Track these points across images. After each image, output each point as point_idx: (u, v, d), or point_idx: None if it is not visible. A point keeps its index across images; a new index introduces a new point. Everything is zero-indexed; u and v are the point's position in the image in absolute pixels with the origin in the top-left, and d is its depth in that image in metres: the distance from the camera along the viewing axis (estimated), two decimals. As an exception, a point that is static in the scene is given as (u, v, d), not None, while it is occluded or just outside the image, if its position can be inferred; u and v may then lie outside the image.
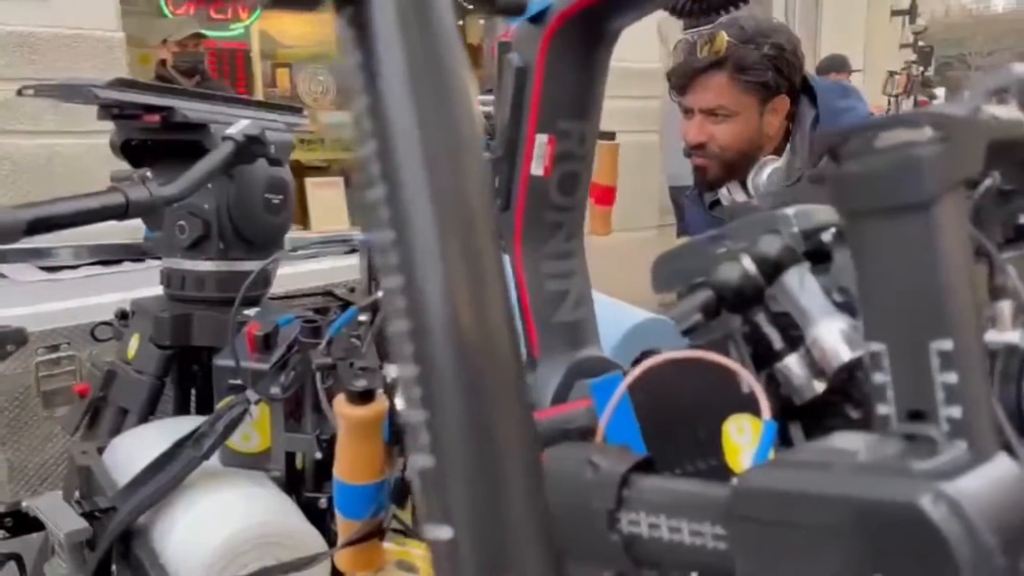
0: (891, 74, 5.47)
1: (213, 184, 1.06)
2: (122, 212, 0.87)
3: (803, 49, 1.44)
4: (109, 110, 1.04)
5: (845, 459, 0.32)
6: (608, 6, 0.65)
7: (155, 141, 1.09)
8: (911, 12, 7.56)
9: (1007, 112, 0.37)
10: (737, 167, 1.41)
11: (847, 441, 0.34)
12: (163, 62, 3.98)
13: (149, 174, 0.91)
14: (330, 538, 0.80)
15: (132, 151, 1.10)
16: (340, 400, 0.70)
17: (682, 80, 1.41)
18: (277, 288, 1.25)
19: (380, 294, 0.83)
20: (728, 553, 0.36)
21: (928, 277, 0.34)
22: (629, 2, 0.65)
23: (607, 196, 1.50)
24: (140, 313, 1.15)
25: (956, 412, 0.33)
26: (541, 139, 0.70)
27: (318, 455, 0.82)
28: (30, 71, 3.74)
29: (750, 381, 0.45)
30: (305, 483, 0.85)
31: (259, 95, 5.31)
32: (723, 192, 1.48)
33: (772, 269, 0.46)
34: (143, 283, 1.47)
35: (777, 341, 0.46)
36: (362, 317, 0.84)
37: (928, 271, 0.33)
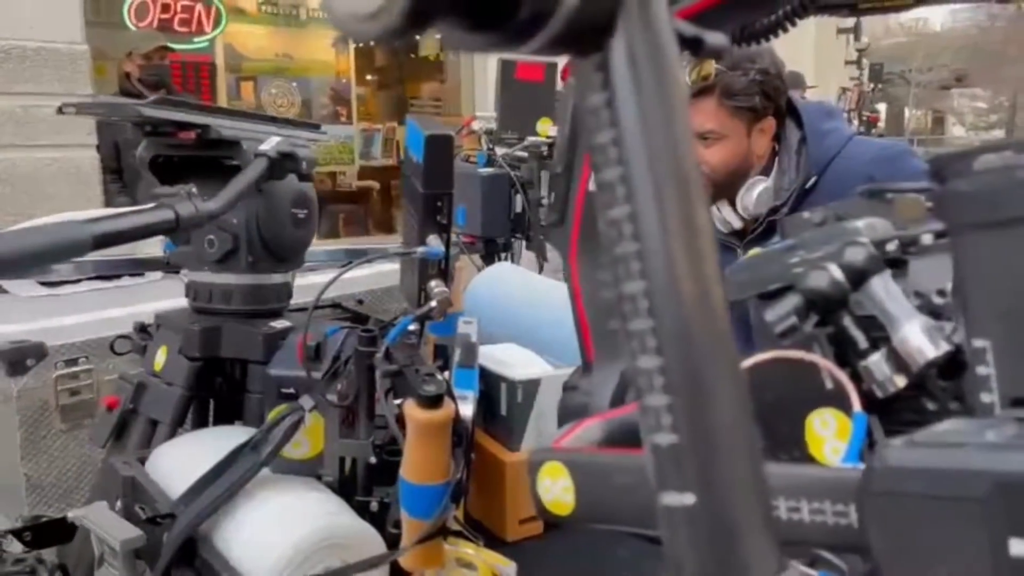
0: (843, 90, 5.65)
1: (243, 200, 1.09)
2: (173, 227, 0.89)
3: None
4: (143, 127, 1.06)
5: (975, 439, 0.37)
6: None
7: (184, 157, 1.11)
8: (855, 30, 7.84)
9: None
10: (727, 187, 1.47)
11: (964, 425, 0.39)
12: (127, 75, 3.95)
13: (194, 189, 0.94)
14: (385, 539, 0.83)
15: (160, 167, 1.12)
16: (411, 404, 0.73)
17: None
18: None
19: (433, 304, 0.87)
20: (851, 528, 0.41)
21: (1031, 281, 0.39)
22: (702, 19, 0.70)
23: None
24: (166, 326, 1.16)
25: (1057, 398, 0.38)
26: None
27: (372, 460, 0.85)
28: (-9, 83, 3.68)
29: (840, 376, 0.50)
30: (356, 488, 0.88)
31: (224, 104, 5.29)
32: (713, 211, 1.54)
33: (858, 277, 0.51)
34: (147, 297, 1.49)
35: (862, 341, 0.51)
36: (412, 327, 0.88)
37: (1031, 276, 0.39)
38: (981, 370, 0.41)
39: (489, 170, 1.51)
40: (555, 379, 1.00)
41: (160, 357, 1.14)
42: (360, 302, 1.50)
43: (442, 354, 1.04)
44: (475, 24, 0.29)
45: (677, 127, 0.30)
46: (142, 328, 1.23)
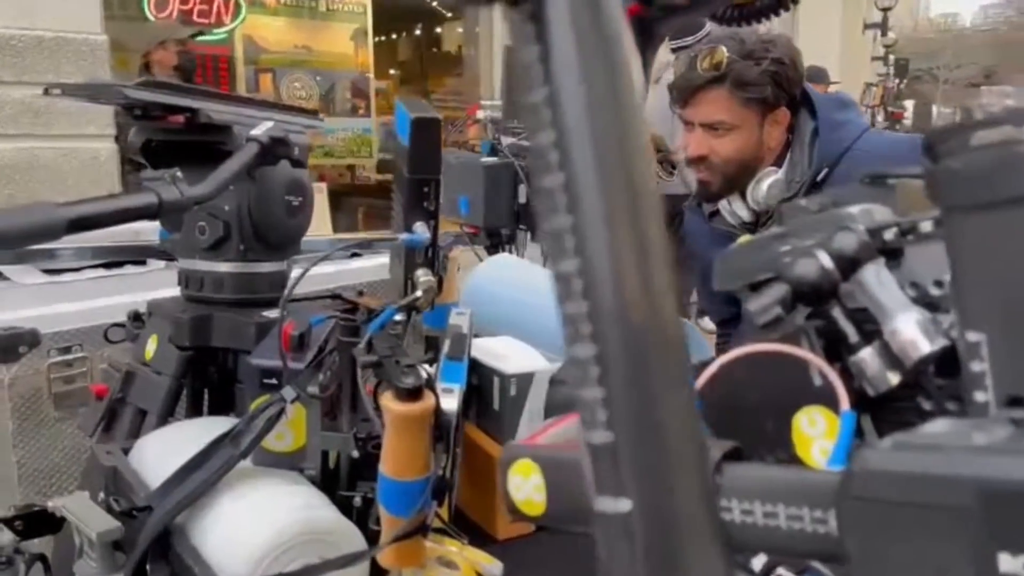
0: (868, 86, 5.56)
1: (234, 186, 1.07)
2: (155, 212, 0.87)
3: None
4: (132, 111, 1.04)
5: (962, 441, 0.33)
6: (656, 13, 0.67)
7: (176, 142, 1.09)
8: (883, 26, 7.72)
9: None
10: (737, 179, 1.43)
11: (953, 426, 0.36)
12: (147, 66, 3.95)
13: (179, 173, 0.91)
14: (367, 536, 0.81)
15: (152, 152, 1.10)
16: (389, 397, 0.71)
17: (683, 94, 1.43)
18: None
19: (419, 293, 0.84)
20: (829, 535, 0.37)
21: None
22: (675, 10, 0.67)
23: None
24: (157, 314, 1.14)
25: (1057, 398, 0.35)
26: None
27: (355, 453, 0.83)
28: (10, 75, 3.70)
29: (828, 373, 0.46)
30: (339, 482, 0.86)
31: (241, 99, 5.30)
32: (723, 203, 1.50)
33: (849, 265, 0.47)
34: (147, 286, 1.47)
35: (853, 335, 0.47)
36: (398, 317, 0.85)
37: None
38: (975, 366, 0.37)
39: (493, 159, 1.48)
40: (549, 374, 0.97)
41: (151, 346, 1.12)
42: (361, 293, 1.47)
43: (433, 345, 1.01)
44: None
45: (620, 84, 0.27)
46: (136, 316, 1.21)
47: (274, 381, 0.85)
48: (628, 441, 0.26)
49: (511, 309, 1.19)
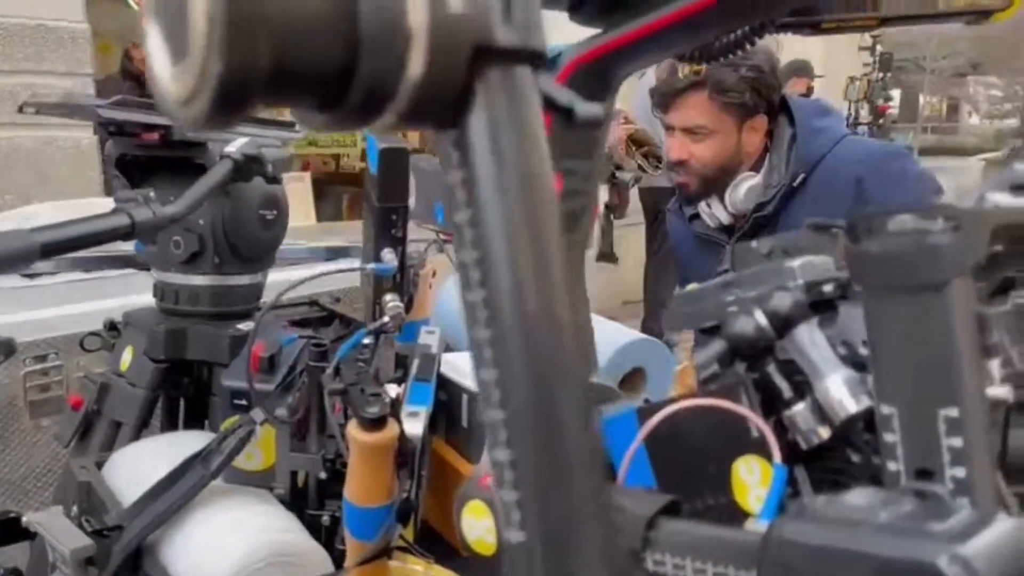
0: (852, 79, 5.59)
1: (209, 201, 1.08)
2: (128, 233, 0.89)
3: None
4: (107, 127, 1.05)
5: (869, 517, 0.35)
6: (619, 55, 0.68)
7: (151, 157, 1.10)
8: (870, 17, 7.71)
9: (1009, 199, 0.41)
10: (716, 183, 1.46)
11: (866, 497, 0.38)
12: (130, 57, 3.92)
13: (152, 194, 0.92)
14: (334, 555, 0.83)
15: (127, 166, 1.11)
16: (353, 426, 0.73)
17: (664, 99, 1.46)
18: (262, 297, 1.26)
19: (386, 319, 0.86)
20: (752, 595, 0.40)
21: (939, 351, 0.37)
22: (638, 51, 0.68)
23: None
24: (133, 325, 1.16)
25: (960, 473, 0.37)
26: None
27: (322, 475, 0.85)
28: (-9, 61, 3.67)
29: (763, 428, 0.48)
30: (308, 501, 0.88)
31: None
32: (702, 206, 1.53)
33: (783, 324, 0.49)
34: (125, 290, 1.48)
35: (786, 391, 0.50)
36: (367, 340, 0.87)
37: (939, 346, 0.37)
38: (888, 437, 0.40)
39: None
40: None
41: (126, 357, 1.13)
42: (337, 300, 1.49)
43: (402, 364, 1.03)
44: (311, 105, 0.27)
45: (539, 210, 0.29)
46: (112, 325, 1.23)
47: (244, 402, 0.87)
48: (524, 463, 0.28)
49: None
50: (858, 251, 0.40)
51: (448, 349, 1.20)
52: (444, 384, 1.01)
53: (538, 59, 0.30)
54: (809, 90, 5.06)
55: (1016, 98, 19.37)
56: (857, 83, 5.61)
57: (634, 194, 4.04)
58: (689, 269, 1.67)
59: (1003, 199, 0.40)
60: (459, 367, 1.04)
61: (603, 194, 3.91)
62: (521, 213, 0.29)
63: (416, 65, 0.27)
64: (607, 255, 4.13)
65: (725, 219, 1.51)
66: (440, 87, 0.28)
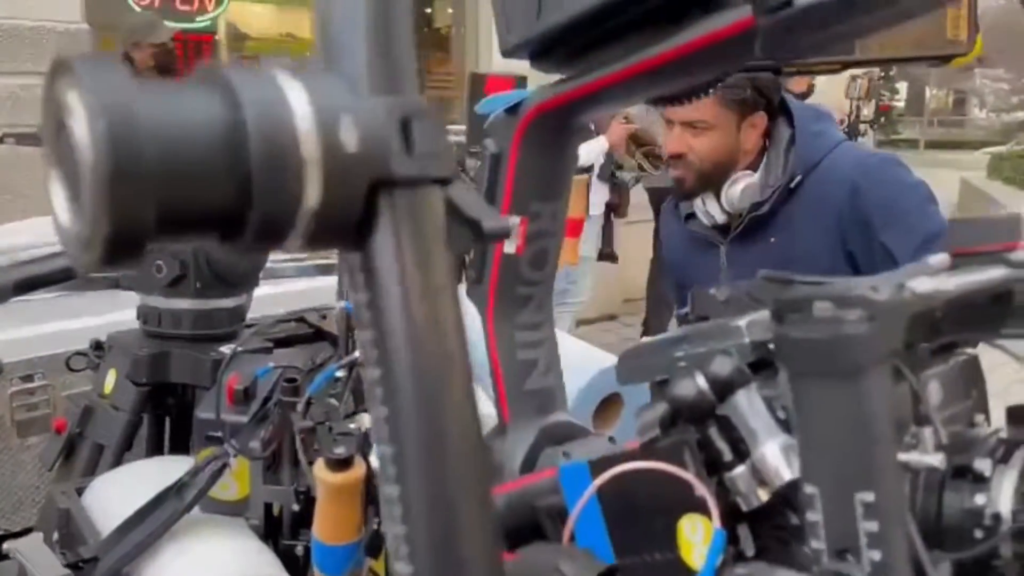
0: (853, 78, 5.57)
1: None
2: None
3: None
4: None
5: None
6: (580, 103, 0.69)
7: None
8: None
9: (926, 284, 0.41)
10: (713, 178, 1.46)
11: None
12: (129, 58, 3.92)
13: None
14: (307, 585, 0.84)
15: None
16: (320, 466, 0.74)
17: None
18: (249, 313, 1.27)
19: (357, 355, 0.87)
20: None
21: (856, 437, 0.38)
22: (600, 100, 0.69)
23: (575, 228, 1.55)
24: (116, 348, 1.17)
25: (877, 555, 0.38)
26: (514, 220, 0.74)
27: (295, 507, 0.86)
28: (-10, 63, 3.69)
29: (703, 493, 0.49)
30: (282, 531, 0.89)
31: (225, 86, 5.27)
32: (698, 203, 1.51)
33: (723, 389, 0.50)
34: (112, 307, 1.49)
35: (727, 453, 0.50)
36: (339, 374, 0.88)
37: (856, 432, 0.38)
38: (811, 516, 0.41)
39: (455, 187, 1.49)
40: (491, 419, 1.00)
41: (110, 379, 1.15)
42: (323, 316, 1.50)
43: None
44: (211, 239, 0.28)
45: (441, 329, 0.30)
46: (97, 345, 1.24)
47: (218, 434, 0.88)
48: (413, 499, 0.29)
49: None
50: (782, 334, 0.40)
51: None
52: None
53: (444, 181, 0.31)
54: (810, 88, 5.04)
55: (1023, 91, 19.25)
56: (859, 81, 5.59)
57: (636, 193, 4.05)
58: (682, 271, 1.66)
59: (920, 285, 0.40)
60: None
61: (604, 193, 3.93)
62: (421, 338, 0.30)
63: (312, 198, 0.27)
64: (608, 254, 4.14)
65: (720, 218, 1.49)
66: (339, 215, 0.29)
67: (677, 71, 0.59)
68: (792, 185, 1.42)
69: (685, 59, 0.55)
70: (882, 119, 5.79)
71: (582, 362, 1.09)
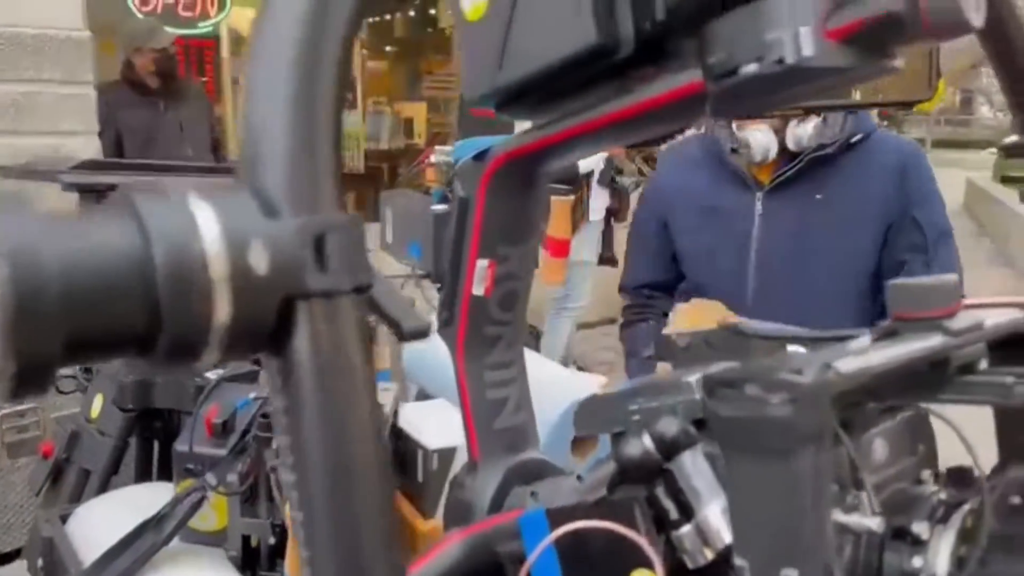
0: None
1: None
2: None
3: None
4: (71, 187, 1.07)
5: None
6: (546, 152, 0.70)
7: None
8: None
9: (851, 363, 0.42)
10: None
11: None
12: (131, 65, 3.93)
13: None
14: (284, 617, 0.85)
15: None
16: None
17: None
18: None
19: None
20: None
21: (782, 513, 0.39)
22: (566, 149, 0.70)
23: (561, 249, 1.55)
24: (103, 372, 1.18)
25: (801, 630, 0.39)
26: (482, 263, 0.75)
27: (271, 540, 0.87)
28: (-8, 71, 3.71)
29: (649, 552, 0.50)
30: (260, 562, 0.90)
31: (227, 90, 5.30)
32: (753, 133, 1.42)
33: (669, 449, 0.51)
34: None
35: (673, 512, 0.51)
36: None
37: (783, 509, 0.39)
38: (743, 588, 0.42)
39: (443, 207, 1.50)
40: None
41: (97, 404, 1.16)
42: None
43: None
44: (127, 356, 0.29)
45: (358, 435, 0.31)
46: (86, 368, 1.25)
47: (197, 467, 0.89)
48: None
49: (449, 370, 1.22)
50: (712, 410, 0.41)
51: (424, 396, 1.22)
52: (400, 437, 1.03)
53: (362, 290, 0.32)
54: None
55: (1030, 89, 19.10)
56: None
57: (636, 198, 4.04)
58: (700, 217, 1.54)
59: (845, 365, 0.41)
60: (415, 420, 1.06)
61: (605, 198, 3.93)
62: (335, 445, 0.31)
63: (222, 314, 0.28)
64: (608, 258, 4.14)
65: (772, 152, 1.43)
66: (253, 328, 0.30)
67: (639, 125, 0.60)
68: (853, 141, 1.44)
69: (644, 115, 0.56)
70: (885, 124, 5.77)
71: (563, 388, 1.10)
